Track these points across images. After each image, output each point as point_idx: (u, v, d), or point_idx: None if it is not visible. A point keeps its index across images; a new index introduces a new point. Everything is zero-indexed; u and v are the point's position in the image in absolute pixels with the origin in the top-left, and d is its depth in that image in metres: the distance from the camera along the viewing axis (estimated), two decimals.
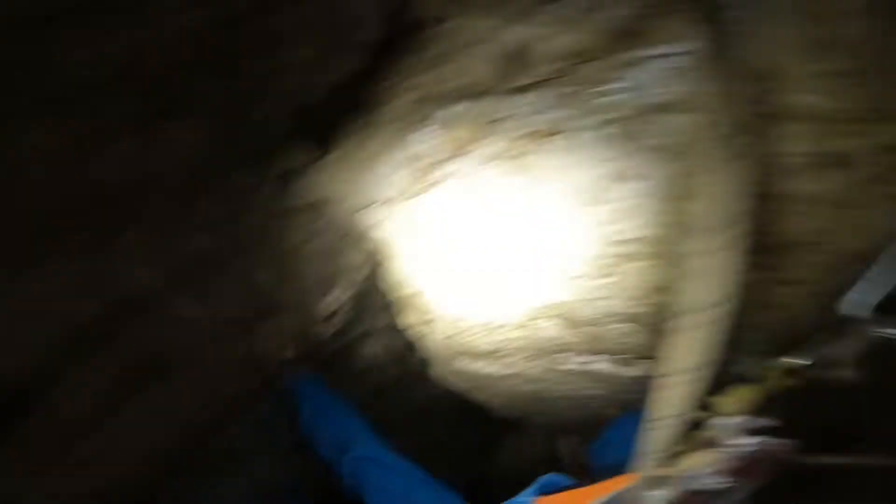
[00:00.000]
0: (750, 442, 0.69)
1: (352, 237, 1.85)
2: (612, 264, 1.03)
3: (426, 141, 1.00)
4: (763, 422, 0.72)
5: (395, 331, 2.11)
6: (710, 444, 0.74)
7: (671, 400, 0.64)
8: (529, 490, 1.02)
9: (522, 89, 0.92)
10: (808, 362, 0.89)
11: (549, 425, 1.92)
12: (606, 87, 0.85)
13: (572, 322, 1.20)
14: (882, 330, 0.80)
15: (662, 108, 0.82)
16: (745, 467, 0.70)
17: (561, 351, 1.30)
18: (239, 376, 1.75)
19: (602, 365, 1.26)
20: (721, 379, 0.77)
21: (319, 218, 1.73)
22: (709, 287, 0.57)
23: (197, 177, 1.28)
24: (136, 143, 1.05)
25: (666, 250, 0.97)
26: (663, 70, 0.80)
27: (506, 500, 1.05)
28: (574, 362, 1.29)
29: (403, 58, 1.08)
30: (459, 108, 0.96)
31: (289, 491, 2.04)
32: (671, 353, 0.60)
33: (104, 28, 0.84)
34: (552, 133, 0.92)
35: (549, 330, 1.24)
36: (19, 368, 1.11)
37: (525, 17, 0.90)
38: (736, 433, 0.72)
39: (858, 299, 0.85)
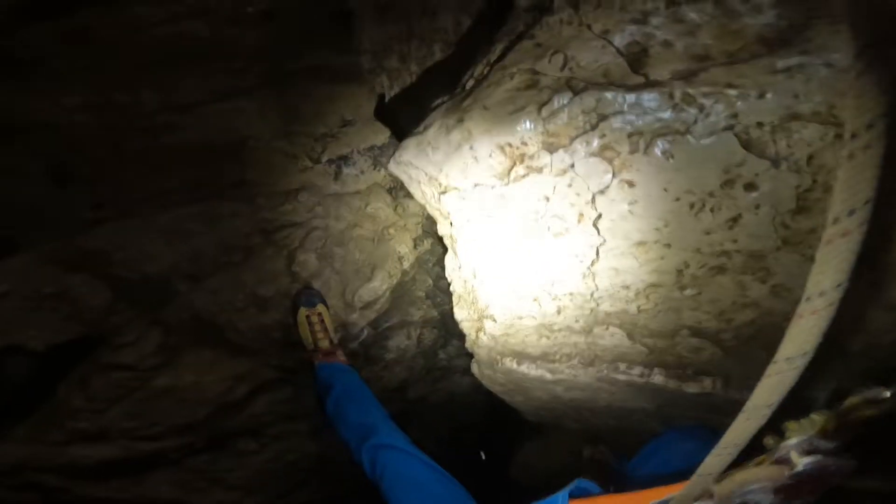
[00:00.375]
0: (805, 461, 0.68)
1: (403, 226, 1.83)
2: (697, 276, 0.99)
3: (519, 131, 0.96)
4: (823, 443, 0.69)
5: (428, 325, 2.09)
6: (765, 459, 0.72)
7: (772, 389, 0.62)
8: (561, 493, 1.01)
9: (632, 88, 0.88)
10: (889, 394, 0.86)
11: (577, 433, 1.88)
12: (728, 92, 0.82)
13: (637, 332, 1.14)
14: None
15: (790, 117, 0.79)
16: (795, 485, 0.69)
17: (618, 360, 1.26)
18: (273, 353, 1.74)
19: (659, 378, 1.23)
20: (798, 403, 0.75)
21: (373, 203, 1.72)
22: (826, 274, 0.55)
23: (269, 149, 1.28)
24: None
25: (760, 266, 0.94)
26: (795, 79, 0.77)
27: (530, 501, 1.04)
28: (629, 373, 1.25)
29: (501, 44, 1.05)
30: (560, 100, 0.93)
31: (307, 471, 2.02)
32: (785, 339, 0.58)
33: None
34: (658, 135, 0.89)
35: (610, 338, 1.19)
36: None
37: (645, 16, 0.87)
38: (793, 451, 0.69)
39: None
